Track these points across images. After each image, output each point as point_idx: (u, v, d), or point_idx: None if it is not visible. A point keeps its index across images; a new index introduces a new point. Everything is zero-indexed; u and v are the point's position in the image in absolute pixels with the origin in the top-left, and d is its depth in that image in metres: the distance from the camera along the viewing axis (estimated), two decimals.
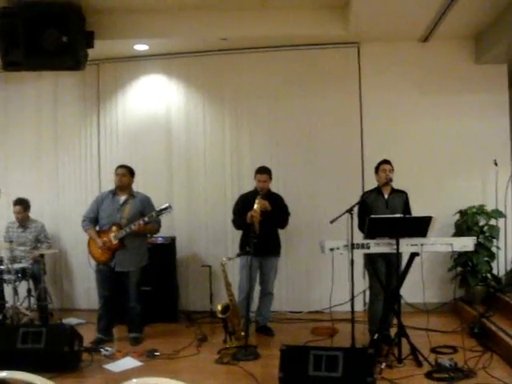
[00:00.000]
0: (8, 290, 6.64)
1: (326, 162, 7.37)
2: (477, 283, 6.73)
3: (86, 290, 7.74)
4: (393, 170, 5.76)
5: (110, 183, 6.78)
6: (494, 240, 6.82)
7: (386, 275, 5.68)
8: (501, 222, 6.95)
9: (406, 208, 5.75)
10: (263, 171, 6.29)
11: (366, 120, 7.34)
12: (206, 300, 7.29)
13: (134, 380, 2.07)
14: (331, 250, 5.22)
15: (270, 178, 6.34)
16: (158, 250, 6.95)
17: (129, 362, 5.44)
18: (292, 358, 4.36)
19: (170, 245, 7.23)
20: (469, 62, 7.18)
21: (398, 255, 5.21)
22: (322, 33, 6.90)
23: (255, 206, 5.97)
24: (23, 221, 7.24)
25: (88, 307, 7.60)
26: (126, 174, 6.21)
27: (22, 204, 7.22)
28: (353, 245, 5.12)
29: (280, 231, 6.48)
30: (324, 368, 4.20)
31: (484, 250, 6.72)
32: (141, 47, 7.31)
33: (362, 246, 5.20)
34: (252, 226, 5.90)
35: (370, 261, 5.64)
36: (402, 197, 5.80)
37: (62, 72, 7.24)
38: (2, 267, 6.60)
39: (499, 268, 6.96)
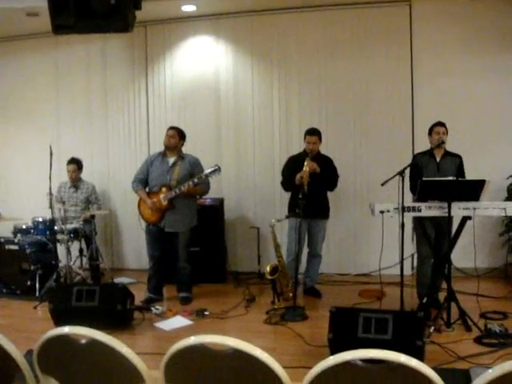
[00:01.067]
0: (61, 249, 6.81)
1: (375, 123, 7.25)
2: None
3: (135, 249, 7.90)
4: (447, 132, 5.62)
5: (158, 145, 6.85)
6: None
7: (434, 239, 5.61)
8: None
9: (460, 172, 5.62)
10: (313, 133, 6.24)
11: (416, 81, 7.16)
12: (253, 261, 7.37)
13: (192, 337, 2.11)
14: (381, 212, 5.17)
15: (320, 140, 6.28)
16: (206, 212, 7.01)
17: (179, 321, 5.56)
18: (341, 320, 4.36)
19: (219, 206, 7.29)
20: None
21: (450, 219, 5.13)
22: None
23: (304, 168, 5.93)
24: (75, 180, 7.39)
25: (138, 267, 7.79)
26: (175, 135, 6.25)
27: (76, 163, 7.40)
28: (403, 208, 5.06)
29: (329, 194, 6.44)
30: (373, 330, 4.18)
31: None
32: (188, 8, 7.26)
33: (413, 209, 5.14)
34: (301, 187, 5.87)
35: (420, 224, 5.57)
36: (455, 160, 5.67)
37: (109, 34, 7.23)
38: (55, 227, 6.76)
39: None
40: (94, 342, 2.19)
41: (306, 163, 5.96)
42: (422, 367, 1.89)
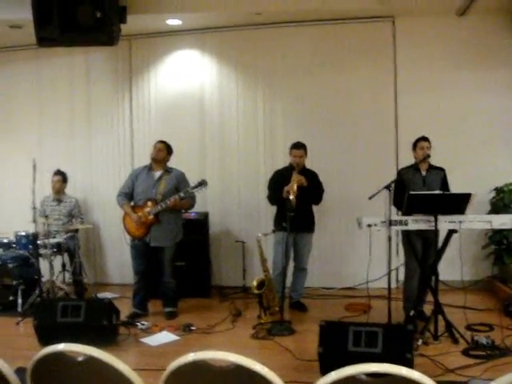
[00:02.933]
0: (44, 264, 6.72)
1: (360, 137, 7.30)
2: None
3: (119, 264, 7.82)
4: (430, 146, 5.68)
5: (142, 158, 6.83)
6: None
7: (422, 252, 5.65)
8: None
9: (444, 185, 5.69)
10: (299, 146, 6.26)
11: (400, 96, 7.23)
12: (238, 275, 7.36)
13: (192, 354, 2.09)
14: (369, 226, 5.19)
15: (306, 154, 6.31)
16: (191, 226, 6.96)
17: (165, 336, 5.51)
18: (331, 334, 4.36)
19: (204, 220, 7.26)
20: (507, 37, 6.96)
21: (436, 232, 5.16)
22: (357, 6, 6.78)
23: (292, 182, 5.94)
24: (59, 193, 7.36)
25: (121, 282, 7.72)
26: (164, 149, 6.24)
27: (62, 175, 7.38)
28: (391, 221, 5.09)
29: (314, 207, 6.45)
30: (364, 344, 4.19)
31: None
32: (173, 22, 7.26)
33: (400, 223, 5.17)
34: (288, 201, 5.88)
35: (407, 238, 5.60)
36: (439, 174, 5.75)
37: (93, 48, 7.24)
38: (38, 242, 6.67)
39: None
40: (90, 359, 2.16)
41: (293, 177, 5.97)
42: (425, 380, 1.88)
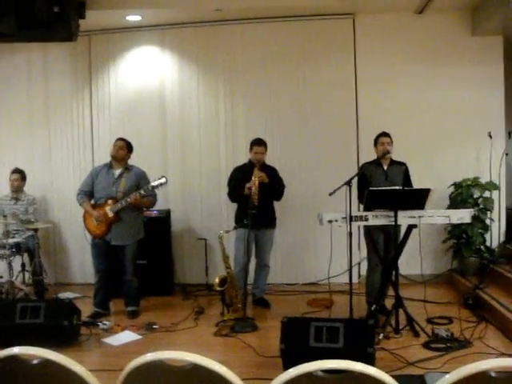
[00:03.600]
0: (2, 264, 6.61)
1: (321, 133, 7.33)
2: (471, 255, 6.79)
3: (80, 263, 7.74)
4: (391, 142, 5.75)
5: (102, 156, 6.77)
6: (488, 212, 6.87)
7: (384, 247, 5.72)
8: (495, 194, 6.99)
9: (406, 179, 5.78)
10: (261, 143, 6.26)
11: (360, 92, 7.30)
12: (201, 273, 7.34)
13: (149, 354, 2.06)
14: (329, 222, 5.22)
15: (266, 150, 6.32)
16: (153, 223, 6.94)
17: (128, 336, 5.45)
18: (293, 330, 4.38)
19: (165, 218, 7.23)
20: (465, 34, 7.12)
21: (396, 227, 5.22)
22: (317, 3, 6.85)
23: (253, 178, 5.94)
24: (18, 190, 7.22)
25: (83, 281, 7.62)
26: (124, 147, 6.17)
27: (20, 173, 7.25)
28: (351, 217, 5.13)
29: (275, 203, 6.47)
30: (325, 339, 4.22)
31: (478, 222, 6.76)
32: (133, 18, 7.19)
33: (361, 219, 5.21)
34: (249, 198, 5.88)
35: (369, 233, 5.67)
36: (401, 168, 5.82)
37: (52, 44, 7.12)
38: None
39: (492, 240, 7.01)
40: (46, 362, 2.12)
41: (254, 173, 5.97)
42: (382, 375, 1.90)
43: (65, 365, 2.10)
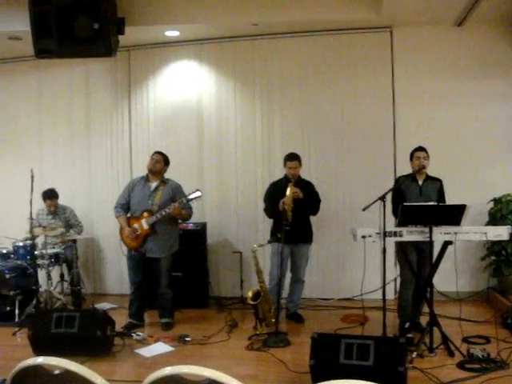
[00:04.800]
0: (42, 274, 6.72)
1: (358, 148, 7.29)
2: (510, 273, 6.61)
3: (117, 274, 7.83)
4: (428, 157, 5.66)
5: (141, 169, 6.82)
6: None
7: (417, 264, 5.63)
8: None
9: (441, 196, 5.68)
10: (293, 158, 6.25)
11: (398, 106, 7.23)
12: (236, 286, 7.34)
13: (169, 368, 2.07)
14: (363, 237, 5.17)
15: (300, 165, 6.29)
16: (189, 236, 7.00)
17: (160, 347, 5.49)
18: (323, 346, 4.34)
19: (201, 231, 7.26)
20: (505, 48, 6.97)
21: (431, 243, 5.13)
22: (354, 17, 6.79)
23: (287, 194, 5.93)
24: (54, 211, 7.35)
25: (120, 292, 7.71)
26: (161, 160, 6.25)
27: (52, 196, 7.31)
28: (385, 233, 5.07)
29: (312, 218, 6.44)
30: (355, 356, 4.16)
31: None
32: (171, 33, 7.30)
33: (395, 234, 5.14)
34: (284, 213, 5.87)
35: (402, 249, 5.59)
36: (436, 184, 5.73)
37: (93, 59, 7.27)
38: (35, 252, 6.68)
39: None
40: (67, 373, 2.14)
41: (288, 189, 5.97)
42: None
43: (85, 376, 2.12)
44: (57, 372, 2.18)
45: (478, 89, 7.06)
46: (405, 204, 5.12)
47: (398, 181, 5.83)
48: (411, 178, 5.74)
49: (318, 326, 5.98)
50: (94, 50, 6.38)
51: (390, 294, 6.88)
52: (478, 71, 7.06)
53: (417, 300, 5.56)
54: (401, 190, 5.65)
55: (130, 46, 7.64)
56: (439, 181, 5.78)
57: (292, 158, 6.25)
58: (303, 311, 6.65)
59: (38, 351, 5.11)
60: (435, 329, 5.08)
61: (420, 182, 5.70)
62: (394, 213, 5.49)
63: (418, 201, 5.47)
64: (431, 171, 5.79)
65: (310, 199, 6.21)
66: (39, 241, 6.94)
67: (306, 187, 6.24)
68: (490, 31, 7.02)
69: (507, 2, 6.20)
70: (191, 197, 5.98)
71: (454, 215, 5.06)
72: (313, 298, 7.25)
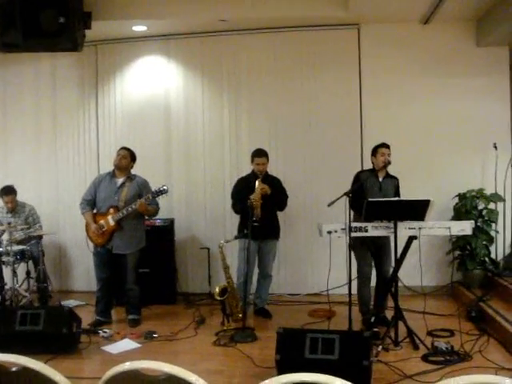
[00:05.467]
0: (7, 271, 6.63)
1: (325, 144, 7.33)
2: (475, 267, 6.74)
3: (84, 271, 7.74)
4: (390, 153, 5.73)
5: (108, 165, 6.76)
6: (493, 224, 6.82)
7: (376, 258, 5.77)
8: (500, 205, 6.95)
9: (397, 194, 5.76)
10: (261, 154, 6.25)
11: (365, 102, 7.28)
12: (204, 282, 7.34)
13: (128, 363, 2.07)
14: (329, 232, 5.21)
15: (268, 161, 6.30)
16: (156, 232, 6.97)
17: (127, 344, 5.46)
18: (288, 341, 4.36)
19: (169, 227, 7.23)
20: (470, 45, 7.10)
21: (396, 238, 5.18)
22: (322, 14, 6.84)
23: (256, 190, 5.94)
24: (13, 208, 7.20)
25: (87, 289, 7.62)
26: (127, 156, 6.20)
27: (9, 192, 7.09)
28: (350, 228, 5.11)
29: (279, 214, 6.46)
30: (320, 351, 4.20)
31: (483, 233, 6.73)
32: (139, 28, 7.24)
33: (360, 229, 5.19)
34: (252, 209, 5.88)
35: (361, 244, 5.64)
36: (394, 182, 5.83)
37: (59, 53, 7.20)
38: (0, 249, 6.58)
39: (497, 252, 6.96)
40: (25, 370, 2.13)
41: (257, 185, 5.98)
42: None
43: (44, 373, 2.11)
44: (14, 369, 2.16)
45: (443, 85, 7.15)
46: (370, 200, 5.14)
47: (361, 175, 5.86)
48: (372, 173, 5.79)
49: (286, 321, 6.01)
50: (60, 45, 6.31)
51: (355, 289, 6.93)
52: (444, 68, 7.15)
53: (381, 294, 5.62)
54: (363, 184, 5.69)
55: (97, 40, 7.54)
56: (396, 179, 5.87)
57: (260, 154, 6.26)
58: (271, 306, 6.67)
59: (2, 349, 5.02)
60: (400, 322, 5.15)
61: (380, 179, 5.76)
62: (353, 206, 5.40)
63: (378, 196, 5.53)
64: (398, 166, 5.87)
65: (277, 194, 6.22)
66: (4, 238, 6.82)
67: (273, 183, 6.25)
68: (455, 29, 7.13)
69: (471, 0, 6.28)
70: (156, 192, 5.94)
71: (418, 210, 5.12)
72: (280, 294, 7.29)
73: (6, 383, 2.20)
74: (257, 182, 6.01)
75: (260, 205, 5.94)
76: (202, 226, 7.62)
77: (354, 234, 5.17)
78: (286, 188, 6.43)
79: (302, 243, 7.40)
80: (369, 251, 5.71)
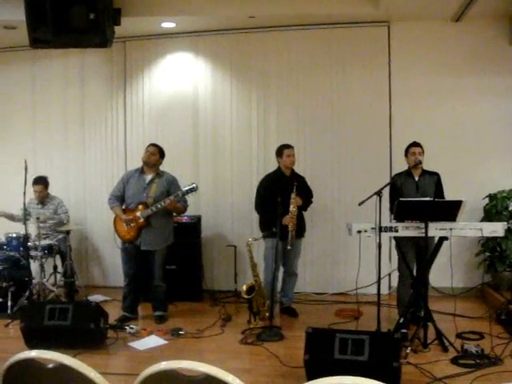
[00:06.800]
0: (35, 266, 6.69)
1: (353, 142, 7.26)
2: (504, 269, 6.63)
3: (111, 267, 7.79)
4: (423, 152, 5.65)
5: (136, 161, 6.79)
6: None
7: (416, 258, 5.65)
8: None
9: (438, 190, 5.67)
10: (290, 145, 6.26)
11: (395, 101, 7.19)
12: (230, 280, 7.31)
13: (164, 362, 2.05)
14: (358, 232, 5.17)
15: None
16: (183, 229, 6.97)
17: (153, 341, 5.47)
18: (317, 341, 4.32)
19: (196, 224, 7.23)
20: (503, 43, 6.95)
21: (427, 239, 5.12)
22: (352, 11, 6.76)
23: (291, 208, 5.96)
24: (43, 198, 7.28)
25: (114, 284, 7.65)
26: (156, 153, 6.21)
27: (43, 182, 7.23)
28: (380, 228, 5.06)
29: (306, 212, 6.42)
30: (350, 352, 4.16)
31: None
32: (168, 25, 7.24)
33: (390, 229, 5.14)
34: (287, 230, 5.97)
35: (399, 244, 5.58)
36: (433, 178, 5.72)
37: (88, 50, 7.22)
38: (28, 244, 6.63)
39: None
40: (61, 367, 2.11)
41: (292, 200, 5.97)
42: None
43: (79, 370, 2.09)
44: (50, 366, 2.15)
45: (475, 84, 7.04)
46: (400, 200, 5.09)
47: (393, 179, 5.82)
48: (406, 174, 5.72)
49: (312, 320, 5.98)
50: (89, 41, 6.31)
51: (384, 289, 6.88)
52: (476, 67, 7.03)
53: (415, 295, 5.55)
54: (396, 187, 5.64)
55: (126, 37, 7.55)
56: (436, 174, 5.76)
57: (289, 145, 6.26)
58: (297, 305, 6.63)
59: (31, 343, 5.08)
60: (429, 324, 5.08)
61: (416, 178, 5.68)
62: (391, 210, 5.44)
63: (415, 196, 5.47)
64: (428, 166, 5.79)
65: (303, 194, 6.19)
66: (32, 232, 6.87)
67: (299, 182, 6.19)
68: (487, 26, 6.98)
69: None
70: (186, 190, 5.95)
71: (450, 211, 5.05)
72: (307, 293, 7.25)
73: (42, 380, 2.19)
74: (292, 196, 5.99)
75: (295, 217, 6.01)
76: (229, 223, 7.60)
77: (384, 234, 5.11)
78: (311, 186, 6.42)
79: (328, 242, 7.34)
80: (411, 251, 5.62)
